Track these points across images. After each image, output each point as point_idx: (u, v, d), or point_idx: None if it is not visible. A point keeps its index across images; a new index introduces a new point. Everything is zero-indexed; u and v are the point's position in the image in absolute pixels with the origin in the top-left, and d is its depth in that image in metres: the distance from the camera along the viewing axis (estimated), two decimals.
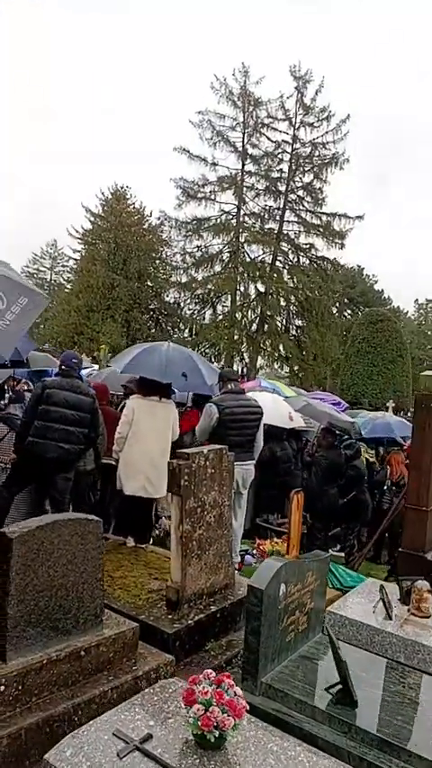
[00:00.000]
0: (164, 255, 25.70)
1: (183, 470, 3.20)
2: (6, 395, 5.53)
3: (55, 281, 43.35)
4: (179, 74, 61.83)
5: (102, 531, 2.47)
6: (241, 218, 25.77)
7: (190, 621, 3.12)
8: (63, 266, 42.15)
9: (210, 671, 1.88)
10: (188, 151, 25.44)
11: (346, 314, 36.30)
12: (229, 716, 1.72)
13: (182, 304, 25.88)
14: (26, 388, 5.85)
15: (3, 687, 1.98)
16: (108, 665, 2.40)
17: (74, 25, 65.74)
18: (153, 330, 24.35)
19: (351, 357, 20.78)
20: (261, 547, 4.83)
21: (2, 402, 5.48)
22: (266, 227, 25.77)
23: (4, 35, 61.22)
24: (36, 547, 2.18)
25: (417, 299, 45.59)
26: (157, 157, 47.18)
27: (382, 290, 39.02)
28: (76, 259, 37.92)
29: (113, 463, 4.46)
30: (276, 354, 24.56)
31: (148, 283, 25.15)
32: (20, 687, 2.04)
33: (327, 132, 25.02)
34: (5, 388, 5.82)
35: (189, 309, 26.05)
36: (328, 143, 25.17)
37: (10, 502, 4.19)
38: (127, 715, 1.91)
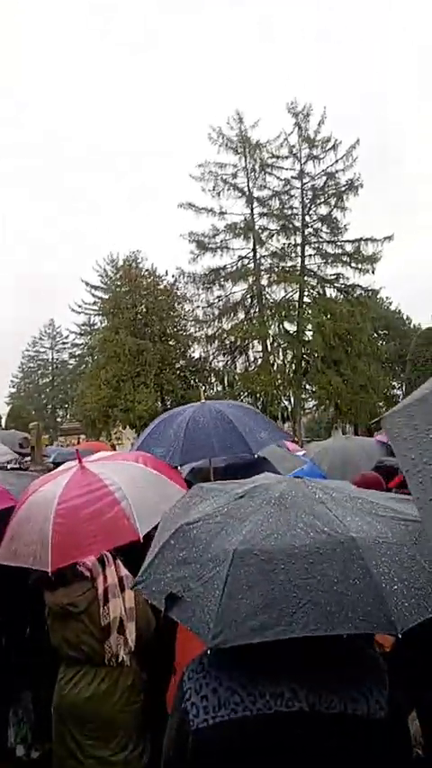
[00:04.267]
0: (183, 311, 24.77)
1: None
2: None
3: (57, 358, 43.36)
4: (171, 129, 64.07)
5: None
6: (259, 261, 24.87)
7: None
8: (63, 344, 43.00)
9: None
10: (194, 205, 25.06)
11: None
12: None
13: (210, 357, 24.64)
14: None
15: None
16: None
17: (60, 86, 69.34)
18: (183, 390, 23.04)
19: (415, 382, 18.74)
20: None
21: None
22: (288, 264, 24.69)
23: None
24: None
25: None
26: (159, 216, 47.96)
27: (399, 310, 36.91)
28: (79, 334, 37.95)
29: None
30: (324, 392, 22.65)
31: (171, 343, 24.08)
32: None
33: (336, 161, 24.26)
34: None
35: (218, 361, 24.76)
36: (338, 171, 24.40)
37: None
38: None
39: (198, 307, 24.51)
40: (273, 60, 62.83)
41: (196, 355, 24.67)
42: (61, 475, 2.81)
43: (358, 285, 24.62)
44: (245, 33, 64.14)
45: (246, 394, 23.05)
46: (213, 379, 24.21)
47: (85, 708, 2.37)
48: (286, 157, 24.80)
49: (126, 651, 2.39)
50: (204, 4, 70.37)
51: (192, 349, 24.67)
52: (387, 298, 37.43)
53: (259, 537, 1.29)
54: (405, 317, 36.64)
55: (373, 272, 24.07)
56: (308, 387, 23.79)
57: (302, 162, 24.69)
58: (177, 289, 24.23)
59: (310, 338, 23.64)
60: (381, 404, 24.58)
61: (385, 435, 4.58)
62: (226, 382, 23.82)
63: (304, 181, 24.79)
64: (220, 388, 23.94)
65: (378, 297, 34.10)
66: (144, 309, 22.34)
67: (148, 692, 2.52)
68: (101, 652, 2.37)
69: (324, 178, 24.56)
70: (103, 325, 23.88)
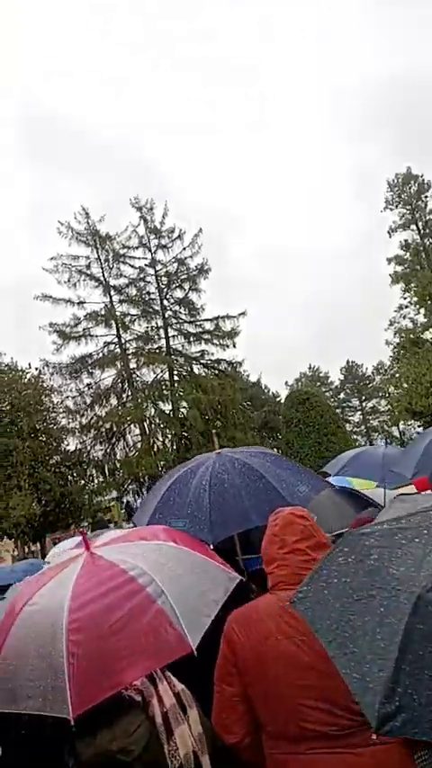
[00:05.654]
0: (52, 403, 23.36)
1: None
2: None
3: None
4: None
5: None
6: (124, 345, 24.96)
7: None
8: None
9: None
10: (50, 296, 24.62)
11: None
12: None
13: (87, 447, 23.24)
14: None
15: None
16: None
17: None
18: (62, 486, 21.12)
19: (294, 442, 19.72)
20: None
21: None
22: (154, 346, 25.16)
23: None
24: None
25: (286, 381, 47.84)
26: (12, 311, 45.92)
27: (259, 380, 39.64)
28: None
29: None
30: None
31: (42, 438, 22.30)
32: None
33: (184, 249, 26.11)
34: None
35: (96, 451, 23.44)
36: (186, 258, 26.24)
37: None
38: None
39: (67, 397, 23.37)
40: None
41: (71, 447, 23.10)
42: (62, 570, 2.12)
43: (223, 359, 25.94)
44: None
45: (130, 480, 21.98)
46: (93, 471, 22.71)
47: None
48: (137, 247, 26.07)
49: None
50: None
51: (66, 442, 23.09)
52: (245, 370, 40.12)
53: None
54: (264, 387, 39.45)
55: (234, 346, 25.66)
56: None
57: (153, 251, 26.15)
58: (43, 381, 22.90)
59: (186, 415, 23.86)
60: None
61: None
62: (107, 471, 22.51)
63: (157, 268, 26.13)
64: (101, 479, 22.49)
65: (241, 368, 36.20)
66: (8, 406, 20.47)
67: None
68: None
69: (176, 264, 26.18)
70: None
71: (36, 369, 23.49)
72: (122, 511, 22.35)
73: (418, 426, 27.91)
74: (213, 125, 70.96)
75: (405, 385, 28.66)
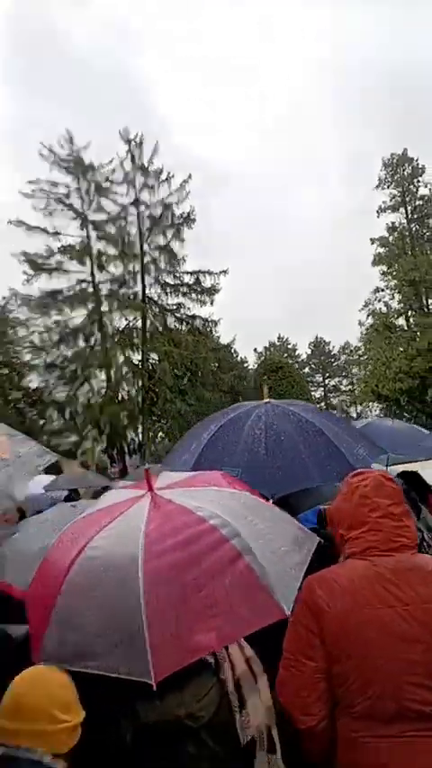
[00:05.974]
0: (17, 336, 22.23)
1: None
2: None
3: None
4: None
5: None
6: (98, 286, 23.82)
7: None
8: None
9: None
10: (25, 223, 22.99)
11: None
12: None
13: (50, 386, 22.39)
14: None
15: None
16: None
17: None
18: (20, 424, 20.35)
19: None
20: None
21: None
22: (129, 291, 24.16)
23: None
24: None
25: (255, 348, 47.85)
26: None
27: (230, 344, 39.30)
28: None
29: None
30: (174, 422, 22.36)
31: (4, 371, 21.33)
32: None
33: (171, 194, 24.84)
34: None
35: (59, 392, 22.63)
36: (172, 204, 24.99)
37: None
38: None
39: (34, 332, 22.17)
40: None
41: (33, 385, 22.17)
42: (123, 511, 1.77)
43: (199, 316, 25.32)
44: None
45: (91, 426, 21.45)
46: (54, 412, 22.00)
47: None
48: (121, 183, 24.52)
49: None
50: None
51: (28, 378, 22.11)
52: (216, 331, 39.63)
53: None
54: (233, 350, 39.15)
55: (212, 304, 25.05)
56: (155, 417, 23.28)
57: (138, 190, 24.71)
58: (10, 312, 21.65)
59: (155, 367, 23.33)
60: None
61: None
62: (68, 414, 21.85)
63: (140, 209, 24.79)
64: (62, 422, 21.84)
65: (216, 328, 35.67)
66: None
67: None
68: None
69: (160, 208, 24.91)
70: None
71: (3, 298, 22.21)
72: (102, 456, 21.68)
73: (380, 410, 28.58)
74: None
75: (370, 367, 29.17)
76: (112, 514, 1.78)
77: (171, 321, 25.24)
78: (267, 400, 2.81)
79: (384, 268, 32.29)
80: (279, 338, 50.29)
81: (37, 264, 22.65)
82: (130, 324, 23.89)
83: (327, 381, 50.86)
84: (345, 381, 51.18)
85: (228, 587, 1.57)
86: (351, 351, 51.01)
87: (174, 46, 74.13)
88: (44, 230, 23.20)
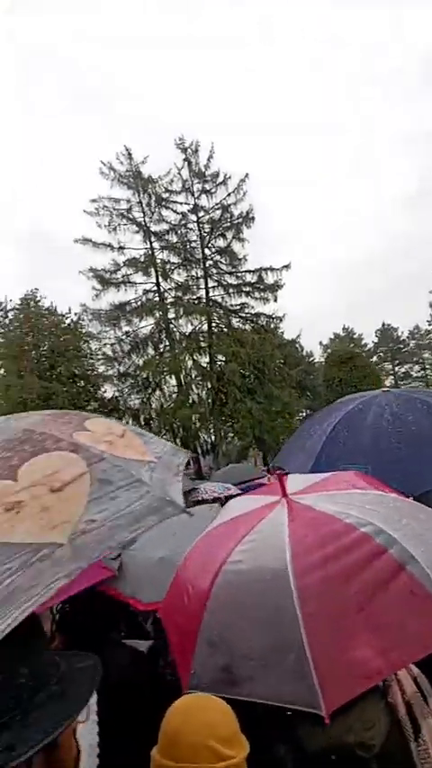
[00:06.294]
0: (91, 350, 23.15)
1: None
2: None
3: None
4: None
5: None
6: (164, 294, 24.31)
7: None
8: None
9: None
10: (91, 240, 23.91)
11: None
12: None
13: (125, 395, 23.14)
14: None
15: None
16: None
17: None
18: None
19: (333, 402, 19.19)
20: None
21: None
22: (193, 297, 24.43)
23: None
24: None
25: (321, 341, 46.67)
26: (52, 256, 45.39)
27: (295, 339, 38.51)
28: None
29: None
30: (246, 421, 22.25)
31: (81, 384, 22.24)
32: None
33: (228, 195, 24.83)
34: None
35: (133, 399, 23.33)
36: (230, 205, 24.97)
37: None
38: None
39: (106, 344, 23.05)
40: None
41: (109, 395, 22.97)
42: (258, 521, 1.67)
43: (263, 314, 25.11)
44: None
45: (165, 430, 21.89)
46: (130, 419, 22.66)
47: None
48: (179, 192, 24.90)
49: None
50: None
51: (103, 389, 22.96)
52: (281, 327, 39.17)
53: None
54: (298, 345, 38.48)
55: (275, 300, 24.75)
56: (225, 418, 23.31)
57: (196, 196, 24.94)
58: (82, 327, 22.58)
59: (223, 369, 23.37)
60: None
61: None
62: (142, 420, 22.44)
63: (200, 215, 25.00)
64: (137, 429, 22.47)
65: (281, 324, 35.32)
66: (48, 351, 20.27)
67: None
68: None
69: (219, 211, 24.99)
70: (1, 372, 21.26)
71: (75, 314, 23.21)
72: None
73: None
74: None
75: None
76: (249, 524, 1.69)
77: (236, 321, 25.24)
78: (386, 388, 2.62)
79: None
80: (344, 329, 48.83)
81: (104, 279, 23.47)
82: (196, 328, 24.14)
83: (396, 369, 48.75)
84: (416, 367, 48.82)
85: (393, 603, 1.43)
86: (421, 335, 48.64)
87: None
88: (109, 246, 24.04)
